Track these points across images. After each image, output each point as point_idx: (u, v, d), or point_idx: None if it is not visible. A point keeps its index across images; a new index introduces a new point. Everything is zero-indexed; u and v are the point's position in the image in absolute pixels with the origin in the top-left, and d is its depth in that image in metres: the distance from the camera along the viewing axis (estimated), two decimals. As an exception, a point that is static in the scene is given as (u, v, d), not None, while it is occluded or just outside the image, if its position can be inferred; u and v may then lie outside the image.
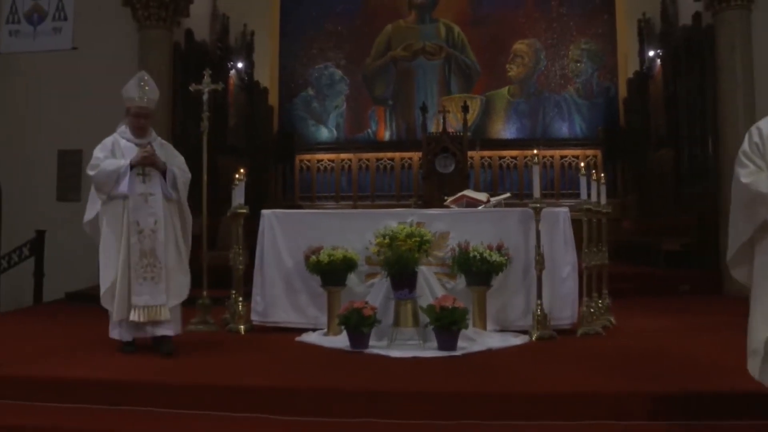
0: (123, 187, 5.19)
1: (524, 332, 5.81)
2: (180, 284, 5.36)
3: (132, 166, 5.23)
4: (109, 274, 5.30)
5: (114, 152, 5.36)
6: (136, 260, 5.18)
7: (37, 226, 10.17)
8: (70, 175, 11.03)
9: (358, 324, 5.30)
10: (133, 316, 5.17)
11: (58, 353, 5.41)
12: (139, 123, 5.42)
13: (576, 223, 6.18)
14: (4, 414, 4.24)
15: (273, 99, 14.92)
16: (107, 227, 5.34)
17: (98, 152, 5.37)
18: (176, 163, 5.50)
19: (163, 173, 5.32)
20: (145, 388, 4.36)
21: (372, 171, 14.49)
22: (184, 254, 5.47)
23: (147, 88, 5.51)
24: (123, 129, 5.49)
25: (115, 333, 5.34)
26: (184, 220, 5.53)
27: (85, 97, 10.89)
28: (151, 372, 4.67)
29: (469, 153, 13.14)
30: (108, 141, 5.46)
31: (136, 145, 5.38)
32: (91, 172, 5.31)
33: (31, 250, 10.02)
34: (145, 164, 5.27)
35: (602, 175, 6.54)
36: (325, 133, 14.93)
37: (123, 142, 5.41)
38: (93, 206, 5.51)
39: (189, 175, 5.58)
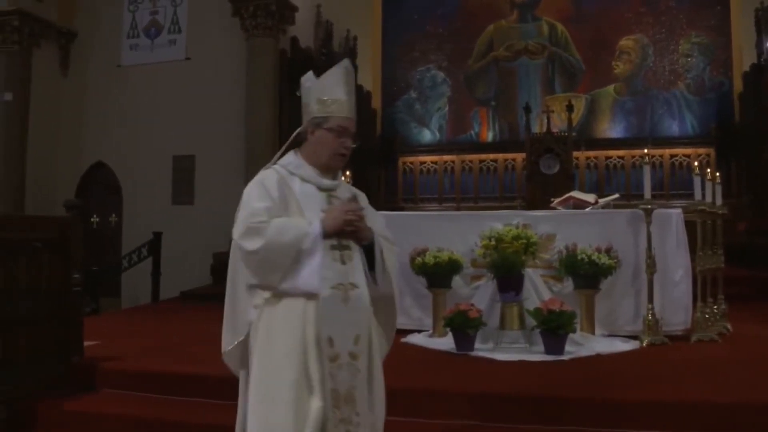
0: (309, 274, 2.61)
1: (634, 338, 5.65)
2: None
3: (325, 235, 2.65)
4: None
5: (287, 203, 2.74)
6: (328, 412, 2.53)
7: (154, 228, 10.69)
8: (184, 179, 11.55)
9: (464, 326, 5.29)
10: None
11: (171, 349, 5.68)
12: (344, 149, 2.87)
13: (689, 225, 5.95)
14: (121, 404, 4.51)
15: (376, 102, 15.10)
16: (267, 353, 2.59)
17: (257, 201, 2.72)
18: (378, 227, 2.87)
19: (366, 248, 2.75)
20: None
21: (475, 172, 14.41)
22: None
23: (352, 87, 3.06)
24: (295, 161, 2.84)
25: None
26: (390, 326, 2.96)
27: (197, 104, 11.39)
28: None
29: (574, 153, 12.89)
30: (271, 180, 2.77)
31: (325, 191, 2.82)
32: (249, 243, 2.62)
33: (149, 251, 10.54)
34: (348, 232, 2.69)
35: (717, 174, 6.27)
36: (427, 135, 14.97)
37: (298, 185, 2.78)
38: (235, 320, 2.75)
39: (396, 248, 2.94)
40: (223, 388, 4.50)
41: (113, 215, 12.05)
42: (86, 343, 5.31)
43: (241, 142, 11.14)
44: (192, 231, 11.06)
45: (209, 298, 9.50)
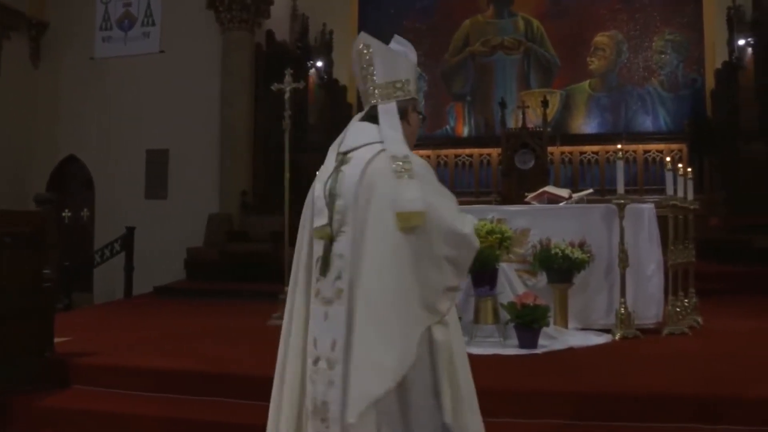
0: None
1: (607, 331, 5.69)
2: None
3: None
4: None
5: None
6: None
7: (127, 223, 10.59)
8: (158, 174, 11.46)
9: (438, 320, 5.28)
10: None
11: (146, 344, 5.63)
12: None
13: (661, 220, 6.01)
14: (95, 400, 4.47)
15: (352, 97, 15.05)
16: (465, 366, 2.40)
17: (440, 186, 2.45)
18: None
19: None
20: (230, 378, 4.49)
21: (450, 167, 14.45)
22: None
23: None
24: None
25: None
26: None
27: (171, 98, 11.29)
28: (236, 363, 4.81)
29: (549, 148, 12.96)
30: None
31: None
32: (474, 239, 2.38)
33: (122, 246, 10.44)
34: None
35: (689, 169, 6.33)
36: (403, 130, 14.93)
37: None
38: (405, 343, 2.23)
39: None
40: (198, 383, 4.50)
41: (85, 210, 11.92)
42: (59, 340, 5.25)
43: (216, 137, 11.08)
44: (166, 226, 10.98)
45: (183, 293, 9.48)
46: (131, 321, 7.39)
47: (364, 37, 2.46)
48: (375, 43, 2.44)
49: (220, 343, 5.62)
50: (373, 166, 2.29)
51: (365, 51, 2.44)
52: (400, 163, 2.29)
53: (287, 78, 7.26)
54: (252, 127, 11.23)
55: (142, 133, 11.47)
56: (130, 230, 10.51)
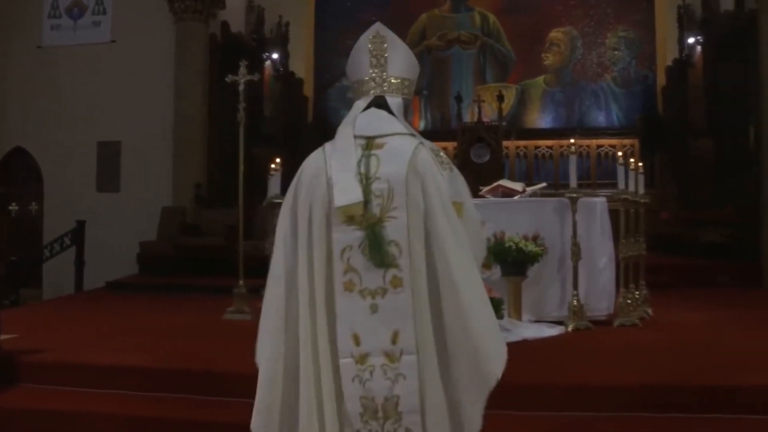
0: None
1: (560, 323, 5.76)
2: None
3: None
4: None
5: None
6: None
7: (77, 217, 10.37)
8: (110, 166, 11.24)
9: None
10: None
11: (97, 340, 5.52)
12: None
13: (613, 214, 6.11)
14: (44, 398, 4.36)
15: (308, 89, 14.98)
16: None
17: None
18: None
19: None
20: (182, 375, 4.43)
21: (406, 161, 14.43)
22: None
23: None
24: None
25: None
26: None
27: (123, 89, 11.09)
28: (188, 360, 4.74)
29: (504, 143, 13.07)
30: None
31: None
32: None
33: (72, 240, 10.23)
34: None
35: (640, 164, 6.44)
36: (359, 124, 14.91)
37: None
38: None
39: None
40: (151, 380, 4.42)
41: (33, 203, 11.63)
42: (5, 336, 5.11)
43: (170, 129, 10.91)
44: (118, 219, 10.79)
45: (136, 287, 9.32)
46: (82, 317, 7.24)
47: (382, 27, 2.44)
48: (393, 36, 2.43)
49: (174, 339, 5.54)
50: (421, 156, 2.26)
51: (384, 40, 2.41)
52: (442, 155, 2.37)
53: (242, 70, 7.19)
54: (206, 119, 11.08)
55: (94, 125, 11.23)
56: (81, 224, 10.29)
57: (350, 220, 2.23)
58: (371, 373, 2.20)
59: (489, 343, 2.21)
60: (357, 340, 2.21)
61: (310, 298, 2.25)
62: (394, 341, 2.20)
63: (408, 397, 2.18)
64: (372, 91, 2.39)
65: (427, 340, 2.20)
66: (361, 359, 2.20)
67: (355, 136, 2.31)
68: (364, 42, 2.42)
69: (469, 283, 2.22)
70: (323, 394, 2.21)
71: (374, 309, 2.21)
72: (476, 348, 2.18)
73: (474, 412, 2.20)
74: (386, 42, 2.41)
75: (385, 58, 2.39)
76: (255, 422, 2.30)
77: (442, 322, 2.20)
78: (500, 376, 2.20)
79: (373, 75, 2.39)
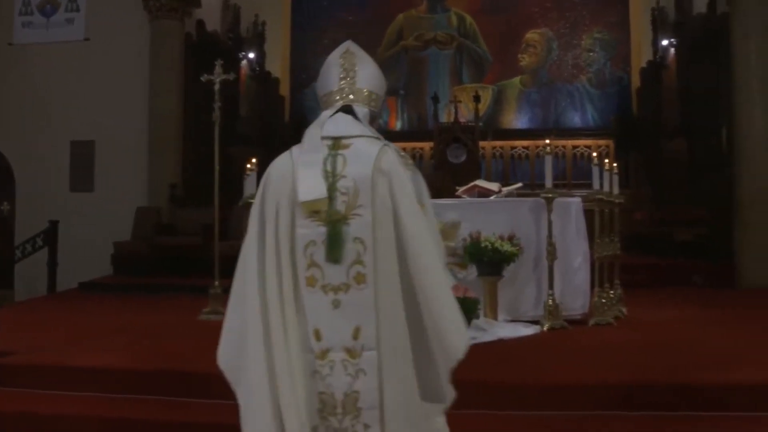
0: None
1: (535, 322, 5.79)
2: None
3: None
4: None
5: None
6: None
7: (50, 217, 10.25)
8: (83, 166, 11.11)
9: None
10: None
11: (70, 342, 5.46)
12: None
13: (588, 214, 6.16)
14: (17, 401, 4.30)
15: (284, 89, 14.93)
16: None
17: None
18: None
19: None
20: (157, 376, 4.39)
21: (383, 161, 14.44)
22: None
23: None
24: None
25: None
26: None
27: (97, 87, 10.97)
28: (163, 361, 4.70)
29: (481, 143, 13.13)
30: None
31: None
32: None
33: (45, 240, 10.11)
34: None
35: (614, 164, 6.49)
36: (336, 123, 14.90)
37: None
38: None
39: None
40: (123, 381, 4.38)
41: (5, 203, 11.43)
42: (-27, 337, 5.04)
43: (144, 128, 10.81)
44: (92, 219, 10.66)
45: (110, 288, 9.23)
46: (55, 318, 7.15)
47: (353, 44, 2.51)
48: (363, 53, 2.50)
49: (149, 340, 5.49)
50: (386, 156, 2.31)
51: (354, 55, 2.48)
52: (406, 157, 2.41)
53: (217, 69, 7.15)
54: (181, 118, 10.99)
55: (67, 124, 11.09)
56: (54, 224, 10.16)
57: (314, 215, 2.26)
58: (331, 368, 2.22)
59: (451, 322, 2.24)
60: (318, 336, 2.23)
61: (270, 294, 2.26)
62: (355, 337, 2.22)
63: (367, 393, 2.20)
64: (341, 101, 2.44)
65: (394, 337, 2.22)
66: (322, 354, 2.23)
67: (323, 137, 2.36)
68: (335, 57, 2.49)
69: (436, 276, 2.26)
70: (282, 389, 2.21)
71: (336, 304, 2.24)
72: (440, 328, 2.22)
73: (441, 385, 2.26)
74: (356, 57, 2.48)
75: (355, 71, 2.46)
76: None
77: (416, 316, 2.23)
78: (464, 351, 2.24)
79: (343, 85, 2.45)
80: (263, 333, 2.26)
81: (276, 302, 2.26)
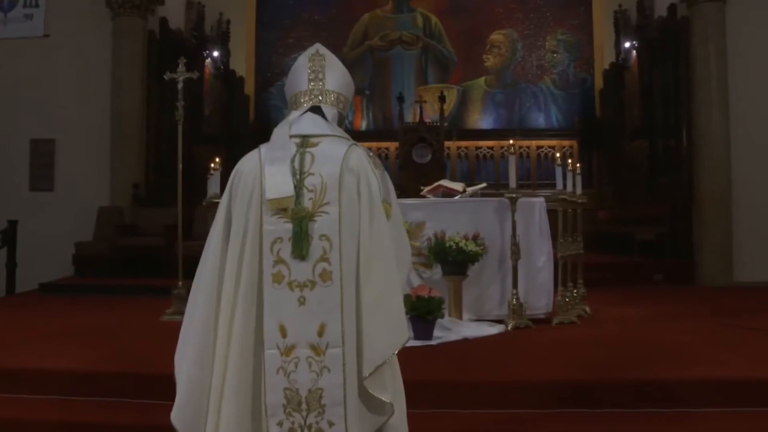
0: None
1: (500, 322, 5.83)
2: None
3: None
4: None
5: None
6: None
7: (9, 216, 10.02)
8: (43, 164, 10.90)
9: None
10: None
11: (29, 344, 5.35)
12: None
13: (552, 213, 6.22)
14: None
15: (249, 88, 14.82)
16: None
17: None
18: None
19: None
20: (118, 378, 4.33)
21: (349, 161, 14.43)
22: None
23: None
24: None
25: None
26: None
27: (57, 85, 10.76)
28: (124, 362, 4.64)
29: (446, 143, 13.19)
30: None
31: None
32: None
33: (4, 241, 9.87)
34: None
35: (578, 165, 6.57)
36: (301, 123, 14.85)
37: None
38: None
39: None
40: (82, 384, 4.30)
41: (-38, 203, 11.21)
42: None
43: (107, 127, 10.63)
44: (52, 219, 10.46)
45: (71, 289, 9.08)
46: (13, 320, 6.99)
47: (322, 47, 2.56)
48: (332, 56, 2.54)
49: (110, 341, 5.41)
50: (354, 155, 2.34)
51: (323, 58, 2.52)
52: (374, 157, 2.45)
53: (181, 67, 7.07)
54: (144, 117, 10.85)
55: (26, 122, 10.86)
56: (13, 224, 9.94)
57: (281, 212, 2.28)
58: (296, 365, 2.23)
59: (395, 314, 2.29)
60: (283, 332, 2.24)
61: (235, 290, 2.27)
62: (320, 334, 2.24)
63: (332, 389, 2.22)
64: (309, 102, 2.45)
65: (352, 333, 2.24)
66: (287, 351, 2.24)
67: (291, 136, 2.38)
68: (304, 60, 2.52)
69: (387, 279, 2.29)
70: (240, 386, 2.23)
71: (302, 301, 2.25)
72: (386, 318, 2.26)
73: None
74: (325, 60, 2.51)
75: (324, 74, 2.49)
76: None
77: (360, 312, 2.26)
78: (405, 341, 2.28)
79: (312, 87, 2.47)
80: (208, 328, 2.28)
81: (230, 299, 2.27)
